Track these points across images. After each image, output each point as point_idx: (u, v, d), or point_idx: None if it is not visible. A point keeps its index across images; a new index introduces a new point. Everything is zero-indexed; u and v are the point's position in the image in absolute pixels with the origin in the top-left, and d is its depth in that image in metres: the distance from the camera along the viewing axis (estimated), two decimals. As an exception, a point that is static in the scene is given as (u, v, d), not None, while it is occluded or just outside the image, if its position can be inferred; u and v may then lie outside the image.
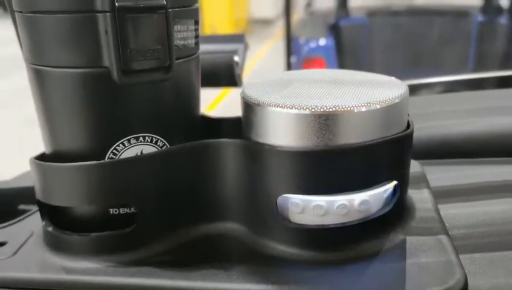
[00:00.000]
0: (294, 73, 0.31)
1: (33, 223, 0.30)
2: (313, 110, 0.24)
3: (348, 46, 2.28)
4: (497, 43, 2.20)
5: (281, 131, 0.25)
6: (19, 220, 0.31)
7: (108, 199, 0.26)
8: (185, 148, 0.27)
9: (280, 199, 0.26)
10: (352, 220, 0.26)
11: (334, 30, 2.25)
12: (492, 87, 0.91)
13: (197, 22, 0.27)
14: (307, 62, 2.08)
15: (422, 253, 0.25)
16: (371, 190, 0.26)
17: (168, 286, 0.24)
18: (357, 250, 0.26)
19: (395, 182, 0.27)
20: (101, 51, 0.24)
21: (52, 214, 0.28)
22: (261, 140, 0.26)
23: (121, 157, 0.26)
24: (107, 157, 0.26)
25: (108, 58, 0.24)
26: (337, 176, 0.25)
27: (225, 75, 0.50)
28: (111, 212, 0.27)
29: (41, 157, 0.27)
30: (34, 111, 0.27)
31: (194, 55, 0.28)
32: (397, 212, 0.28)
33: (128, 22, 0.23)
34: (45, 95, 0.25)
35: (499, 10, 2.25)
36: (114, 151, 0.26)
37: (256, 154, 0.26)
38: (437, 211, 0.29)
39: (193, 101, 0.29)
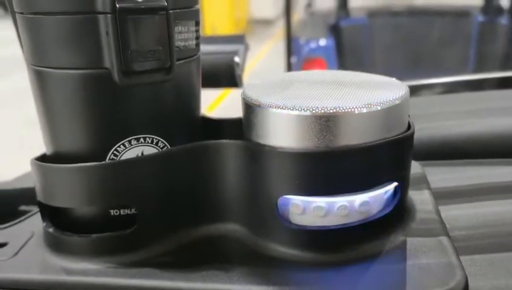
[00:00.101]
0: (295, 74, 0.31)
1: (34, 224, 0.30)
2: (313, 111, 0.24)
3: (348, 47, 2.28)
4: (498, 44, 2.20)
5: (282, 132, 0.25)
6: (19, 221, 0.31)
7: (109, 200, 0.26)
8: (186, 149, 0.27)
9: (281, 200, 0.26)
10: (353, 221, 0.26)
11: (335, 30, 2.25)
12: (493, 88, 0.91)
13: (197, 23, 0.27)
14: (307, 62, 2.08)
15: (422, 254, 0.25)
16: (371, 191, 0.26)
17: (169, 287, 0.24)
18: (358, 251, 0.26)
19: (395, 184, 0.27)
20: (102, 52, 0.24)
21: (52, 215, 0.28)
22: (262, 141, 0.26)
23: (121, 158, 0.26)
24: (107, 158, 0.26)
25: (109, 59, 0.24)
26: (337, 177, 0.25)
27: (226, 76, 0.50)
28: (111, 213, 0.27)
29: (42, 158, 0.27)
30: (34, 111, 0.27)
31: (195, 56, 0.28)
32: (398, 213, 0.28)
33: (129, 23, 0.23)
34: (46, 96, 0.25)
35: (500, 10, 2.25)
36: (115, 152, 0.26)
37: (257, 155, 0.26)
38: (438, 212, 0.29)
39: (194, 102, 0.29)
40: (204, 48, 0.30)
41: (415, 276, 0.24)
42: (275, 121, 0.25)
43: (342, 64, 2.15)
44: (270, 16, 6.51)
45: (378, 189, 0.26)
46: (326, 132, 0.24)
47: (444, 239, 0.26)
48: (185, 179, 0.27)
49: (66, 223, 0.28)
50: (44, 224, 0.28)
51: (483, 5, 2.32)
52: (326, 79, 0.29)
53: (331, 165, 0.25)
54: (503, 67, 2.14)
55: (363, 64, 2.32)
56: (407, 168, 0.27)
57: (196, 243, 0.28)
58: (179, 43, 0.26)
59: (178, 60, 0.26)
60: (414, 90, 0.87)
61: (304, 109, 0.24)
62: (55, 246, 0.27)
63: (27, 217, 0.31)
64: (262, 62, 4.24)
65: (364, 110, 0.24)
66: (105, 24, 0.23)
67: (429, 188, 0.32)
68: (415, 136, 0.27)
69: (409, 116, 0.28)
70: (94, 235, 0.26)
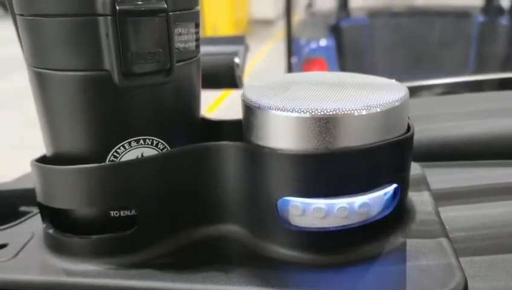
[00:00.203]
0: (295, 76, 0.31)
1: (34, 225, 0.30)
2: (313, 113, 0.24)
3: (349, 47, 2.28)
4: (498, 44, 2.21)
5: (282, 134, 0.25)
6: (19, 222, 0.31)
7: (109, 202, 0.26)
8: (186, 150, 0.27)
9: (280, 202, 0.26)
10: (353, 223, 0.26)
11: (335, 31, 2.25)
12: (493, 89, 0.91)
13: (197, 25, 0.27)
14: (308, 63, 2.09)
15: (422, 256, 0.25)
16: (371, 192, 0.26)
17: (169, 288, 0.24)
18: (358, 253, 0.26)
19: (395, 185, 0.27)
20: (102, 54, 0.24)
21: (53, 216, 0.28)
22: (262, 143, 0.26)
23: (121, 160, 0.26)
24: (107, 159, 0.26)
25: (109, 61, 0.24)
26: (337, 179, 0.25)
27: (226, 77, 0.50)
28: (112, 214, 0.27)
29: (42, 159, 0.28)
30: (34, 112, 0.27)
31: (195, 58, 0.28)
32: (397, 215, 0.28)
33: (129, 25, 0.23)
34: (46, 98, 0.25)
35: (500, 11, 2.25)
36: (115, 153, 0.26)
37: (257, 157, 0.26)
38: (437, 213, 0.29)
39: (194, 103, 0.29)
40: (204, 49, 0.30)
41: (415, 277, 0.24)
42: (275, 123, 0.25)
43: (342, 65, 2.15)
44: (271, 16, 6.51)
45: (377, 190, 0.26)
46: (326, 133, 0.24)
47: (444, 240, 0.26)
48: (185, 180, 0.27)
49: (66, 225, 0.28)
50: (45, 225, 0.28)
51: (483, 5, 2.32)
52: (325, 81, 0.29)
53: (331, 166, 0.25)
54: (504, 68, 2.14)
55: (363, 65, 2.32)
56: (406, 169, 0.27)
57: (196, 244, 0.28)
58: (178, 45, 0.26)
59: (178, 61, 0.26)
60: (414, 91, 0.87)
61: (303, 111, 0.24)
62: (55, 247, 0.27)
63: (27, 218, 0.31)
64: (262, 62, 4.24)
65: (364, 112, 0.24)
66: (105, 26, 0.23)
67: (429, 189, 0.32)
68: (415, 137, 0.27)
69: (408, 117, 0.28)
70: (94, 237, 0.26)
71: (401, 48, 2.36)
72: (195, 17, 0.27)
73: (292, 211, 0.26)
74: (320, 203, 0.26)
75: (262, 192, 0.26)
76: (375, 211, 0.27)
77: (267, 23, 6.43)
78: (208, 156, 0.27)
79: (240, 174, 0.27)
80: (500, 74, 1.07)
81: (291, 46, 2.20)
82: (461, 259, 0.25)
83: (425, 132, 0.46)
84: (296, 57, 2.18)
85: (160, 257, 0.27)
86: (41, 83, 0.25)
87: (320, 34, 2.22)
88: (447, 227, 0.28)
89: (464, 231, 0.29)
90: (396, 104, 0.25)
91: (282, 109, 0.25)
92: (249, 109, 0.26)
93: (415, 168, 0.35)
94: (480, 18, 2.24)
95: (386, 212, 0.27)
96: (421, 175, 0.34)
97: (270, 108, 0.25)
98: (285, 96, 0.26)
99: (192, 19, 0.27)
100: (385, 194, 0.27)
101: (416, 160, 0.35)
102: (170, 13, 0.24)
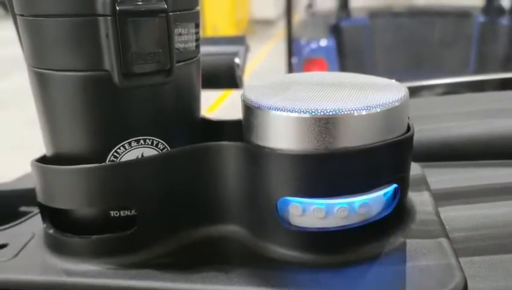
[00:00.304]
0: (295, 76, 0.31)
1: (34, 225, 0.30)
2: (313, 113, 0.24)
3: (349, 47, 2.28)
4: (499, 45, 2.20)
5: (281, 134, 0.25)
6: (20, 222, 0.31)
7: (109, 202, 0.26)
8: (186, 151, 0.27)
9: (280, 202, 0.26)
10: (353, 223, 0.26)
11: (335, 31, 2.25)
12: (494, 89, 0.91)
13: (197, 25, 0.27)
14: (308, 63, 2.09)
15: (422, 256, 0.25)
16: (371, 192, 0.26)
17: (168, 288, 0.25)
18: (357, 253, 0.26)
19: (395, 185, 0.27)
20: (102, 55, 0.24)
21: (53, 216, 0.28)
22: (262, 143, 0.26)
23: (121, 160, 0.26)
24: (108, 160, 0.26)
25: (109, 61, 0.24)
26: (337, 179, 0.25)
27: (226, 77, 0.50)
28: (112, 214, 0.27)
29: (42, 159, 0.28)
30: (34, 112, 0.27)
31: (195, 58, 0.28)
32: (397, 215, 0.28)
33: (129, 26, 0.23)
34: (46, 98, 0.26)
35: (501, 11, 2.25)
36: (115, 154, 0.26)
37: (257, 157, 0.26)
38: (437, 213, 0.29)
39: (194, 103, 0.29)
40: (204, 49, 0.30)
41: (415, 278, 0.24)
42: (275, 123, 0.25)
43: (343, 65, 2.15)
44: (271, 16, 6.51)
45: (377, 191, 0.26)
46: (326, 133, 0.24)
47: (444, 241, 0.26)
48: (185, 180, 0.27)
49: (67, 225, 0.28)
50: (45, 225, 0.28)
51: (484, 5, 2.32)
52: (325, 81, 0.29)
53: (331, 167, 0.25)
54: (504, 69, 2.14)
55: (364, 65, 2.32)
56: (406, 169, 0.27)
57: (196, 244, 0.28)
58: (178, 45, 0.26)
59: (178, 62, 0.26)
60: (415, 91, 0.87)
61: (303, 111, 0.24)
62: (56, 247, 0.27)
63: (27, 218, 0.31)
64: (263, 62, 4.24)
65: (364, 112, 0.24)
66: (105, 26, 0.23)
67: (429, 189, 0.32)
68: (415, 137, 0.27)
69: (408, 117, 0.28)
70: (94, 237, 0.26)
71: (401, 48, 2.36)
72: (195, 17, 0.27)
73: (292, 211, 0.27)
74: (320, 203, 0.26)
75: (262, 192, 0.26)
76: (375, 211, 0.27)
77: (267, 23, 6.43)
78: (208, 156, 0.27)
79: (239, 174, 0.27)
80: (501, 74, 1.07)
81: (292, 46, 2.20)
82: (461, 259, 0.25)
83: (425, 132, 0.46)
84: (296, 57, 2.18)
85: (160, 257, 0.27)
86: (42, 83, 0.25)
87: (320, 34, 2.22)
88: (446, 227, 0.28)
89: (463, 231, 0.29)
90: (396, 104, 0.25)
91: (282, 109, 0.25)
92: (249, 109, 0.26)
93: (415, 169, 0.35)
94: (481, 18, 2.24)
95: (386, 213, 0.27)
96: (421, 175, 0.34)
97: (270, 108, 0.25)
98: (285, 97, 0.26)
99: (192, 19, 0.27)
100: (385, 194, 0.27)
101: (416, 160, 0.35)
102: (170, 13, 0.24)
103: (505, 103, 0.56)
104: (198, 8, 0.27)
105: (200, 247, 0.28)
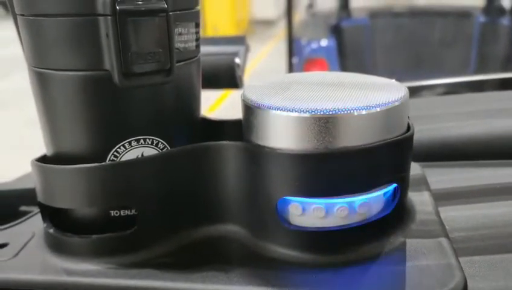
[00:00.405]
0: (295, 75, 0.31)
1: (34, 224, 0.30)
2: (313, 113, 0.24)
3: (350, 47, 2.28)
4: (499, 45, 2.20)
5: (281, 134, 0.25)
6: (20, 222, 0.31)
7: (109, 201, 0.26)
8: (186, 150, 0.27)
9: (280, 202, 0.26)
10: (352, 222, 0.26)
11: (336, 31, 2.25)
12: (494, 89, 0.91)
13: (197, 25, 0.27)
14: (309, 63, 2.08)
15: (422, 256, 0.25)
16: (371, 192, 0.26)
17: (168, 287, 0.25)
18: (357, 253, 0.26)
19: (395, 185, 0.27)
20: (102, 54, 0.24)
21: (53, 215, 0.28)
22: (262, 142, 0.26)
23: (121, 159, 0.26)
24: (108, 159, 0.26)
25: (110, 61, 0.24)
26: (337, 179, 0.25)
27: (226, 77, 0.50)
28: (112, 214, 0.27)
29: (43, 159, 0.28)
30: (35, 112, 0.27)
31: (195, 58, 0.28)
32: (397, 215, 0.28)
33: (129, 25, 0.23)
34: (46, 98, 0.26)
35: (501, 11, 2.25)
36: (115, 153, 0.26)
37: (257, 156, 0.26)
38: (437, 213, 0.29)
39: (194, 103, 0.29)
40: (205, 49, 0.30)
41: (415, 277, 0.24)
42: (275, 123, 0.25)
43: (343, 65, 2.15)
44: (272, 16, 6.51)
45: (377, 190, 0.26)
46: (326, 133, 0.24)
47: (444, 240, 0.26)
48: (185, 180, 0.27)
49: (67, 224, 0.28)
50: (45, 225, 0.28)
51: (484, 5, 2.32)
52: (325, 81, 0.29)
53: (331, 166, 0.25)
54: (505, 69, 2.14)
55: (364, 65, 2.32)
56: (406, 169, 0.27)
57: (196, 244, 0.28)
58: (179, 45, 0.26)
59: (178, 61, 0.26)
60: (415, 91, 0.87)
61: (303, 111, 0.24)
62: (56, 246, 0.27)
63: (28, 218, 0.31)
64: (263, 62, 4.24)
65: (364, 112, 0.24)
66: (105, 26, 0.23)
67: (429, 189, 0.32)
68: (415, 137, 0.27)
69: (408, 117, 0.28)
70: (94, 236, 0.27)
71: (402, 48, 2.36)
72: (195, 17, 0.27)
73: (292, 210, 0.27)
74: (320, 203, 0.26)
75: (262, 192, 0.26)
76: (375, 211, 0.27)
77: (268, 23, 6.43)
78: (208, 156, 0.27)
79: (240, 174, 0.27)
80: (501, 74, 1.07)
81: (292, 46, 2.20)
82: (461, 259, 0.25)
83: (425, 131, 0.46)
84: (297, 57, 2.18)
85: (160, 257, 0.27)
86: (42, 83, 0.25)
87: (321, 34, 2.22)
88: (446, 227, 0.28)
89: (463, 231, 0.29)
90: (396, 104, 0.25)
91: (282, 109, 0.25)
92: (249, 109, 0.26)
93: (415, 168, 0.35)
94: (482, 18, 2.24)
95: (386, 212, 0.27)
96: (421, 175, 0.34)
97: (270, 108, 0.25)
98: (285, 96, 0.26)
99: (192, 18, 0.27)
100: (385, 194, 0.27)
101: (417, 160, 0.35)
102: (170, 13, 0.24)
103: (505, 103, 0.56)
104: (199, 7, 0.27)
105: (200, 247, 0.28)
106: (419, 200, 0.31)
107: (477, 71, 2.20)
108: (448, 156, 0.43)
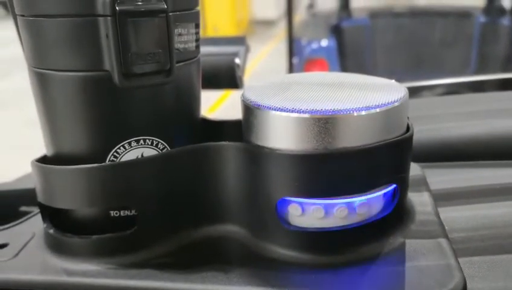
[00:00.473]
0: (295, 76, 0.31)
1: (34, 225, 0.30)
2: (312, 113, 0.24)
3: (350, 47, 2.28)
4: (500, 45, 2.20)
5: (281, 134, 0.25)
6: (20, 222, 0.31)
7: (109, 202, 0.26)
8: (186, 151, 0.27)
9: (280, 202, 0.26)
10: (352, 223, 0.26)
11: (336, 31, 2.25)
12: (494, 89, 0.91)
13: (197, 25, 0.27)
14: (309, 63, 2.08)
15: (421, 256, 0.25)
16: (370, 193, 0.26)
17: (168, 288, 0.25)
18: (357, 253, 0.26)
19: (394, 186, 0.27)
20: (102, 55, 0.24)
21: (53, 216, 0.28)
22: (261, 143, 0.26)
23: (121, 160, 0.26)
24: (107, 160, 0.26)
25: (109, 61, 0.24)
26: (336, 179, 0.25)
27: (226, 77, 0.50)
28: (112, 214, 0.27)
29: (43, 159, 0.28)
30: (35, 112, 0.27)
31: (195, 59, 0.28)
32: (397, 215, 0.28)
33: (129, 26, 0.23)
34: (46, 98, 0.26)
35: (502, 11, 2.25)
36: (115, 154, 0.26)
37: (256, 157, 0.26)
38: (437, 214, 0.29)
39: (194, 104, 0.29)
40: (205, 49, 0.30)
41: (414, 278, 0.24)
42: (274, 123, 0.25)
43: (344, 65, 2.15)
44: (272, 16, 6.50)
45: (377, 191, 0.26)
46: (325, 134, 0.24)
47: (443, 241, 0.26)
48: (185, 180, 0.27)
49: (67, 224, 0.28)
50: (45, 225, 0.28)
51: (485, 6, 2.32)
52: (325, 81, 0.29)
53: (330, 167, 0.25)
54: (505, 69, 2.14)
55: (364, 65, 2.32)
56: (406, 170, 0.27)
57: (196, 244, 0.28)
58: (178, 46, 0.26)
59: (178, 62, 0.26)
60: (415, 92, 0.87)
61: (302, 111, 0.24)
62: (56, 247, 0.27)
63: (28, 218, 0.31)
64: (263, 63, 4.24)
65: (363, 113, 0.24)
66: (105, 27, 0.23)
67: (429, 189, 0.32)
68: (415, 137, 0.27)
69: (408, 118, 0.28)
70: (94, 237, 0.27)
71: (402, 48, 2.36)
72: (195, 17, 0.27)
73: (291, 211, 0.27)
74: (320, 203, 0.26)
75: (261, 192, 0.26)
76: (374, 212, 0.27)
77: (268, 23, 6.43)
78: (207, 156, 0.27)
79: (239, 174, 0.27)
80: (502, 74, 1.07)
81: (293, 46, 2.20)
82: (460, 259, 0.25)
83: (425, 132, 0.46)
84: (297, 57, 2.18)
85: (160, 257, 0.27)
86: (42, 84, 0.25)
87: (321, 34, 2.22)
88: (446, 227, 0.28)
89: (463, 231, 0.29)
90: (396, 104, 0.25)
91: (281, 110, 0.25)
92: (249, 109, 0.26)
93: (415, 169, 0.35)
94: (482, 18, 2.24)
95: (386, 213, 0.27)
96: (420, 175, 0.34)
97: (269, 108, 0.25)
98: (285, 97, 0.26)
99: (192, 19, 0.27)
100: (384, 194, 0.27)
101: (417, 160, 0.35)
102: (170, 14, 0.25)
103: (506, 103, 0.56)
104: (198, 8, 0.27)
105: (200, 247, 0.28)
106: (419, 200, 0.31)
107: (478, 71, 2.20)
108: (448, 156, 0.43)
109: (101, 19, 0.23)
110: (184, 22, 0.26)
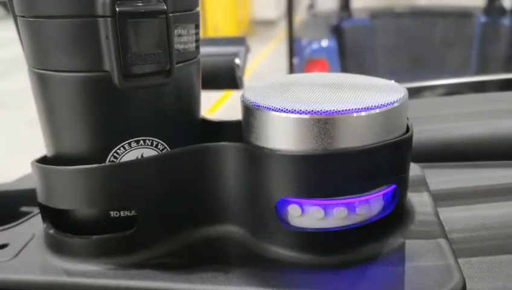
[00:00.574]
0: (295, 76, 0.31)
1: (34, 225, 0.30)
2: (312, 114, 0.24)
3: (351, 48, 2.28)
4: (500, 45, 2.20)
5: (281, 135, 0.25)
6: (20, 223, 0.31)
7: (109, 202, 0.26)
8: (185, 151, 0.27)
9: (279, 202, 0.26)
10: (352, 223, 0.26)
11: (337, 31, 2.25)
12: (495, 89, 0.91)
13: (197, 26, 0.27)
14: (309, 63, 2.08)
15: (421, 257, 0.25)
16: (370, 193, 0.26)
17: (169, 288, 0.25)
18: (356, 254, 0.26)
19: (394, 186, 0.27)
20: (102, 56, 0.24)
21: (53, 216, 0.28)
22: (261, 144, 0.26)
23: (121, 160, 0.26)
24: (107, 160, 0.26)
25: (109, 62, 0.24)
26: (336, 180, 0.25)
27: (226, 78, 0.50)
28: (112, 215, 0.27)
29: (43, 160, 0.28)
30: (35, 112, 0.27)
31: (195, 59, 0.28)
32: (396, 215, 0.28)
33: (129, 27, 0.23)
34: (47, 99, 0.26)
35: (502, 11, 2.25)
36: (115, 154, 0.26)
37: (256, 157, 0.26)
38: (436, 214, 0.29)
39: (193, 104, 0.29)
40: (205, 49, 0.30)
41: (413, 278, 0.24)
42: (274, 124, 0.25)
43: (344, 66, 2.15)
44: (272, 16, 6.51)
45: (376, 191, 0.26)
46: (325, 134, 0.24)
47: (443, 241, 0.26)
48: (184, 181, 0.27)
49: (67, 225, 0.28)
50: (45, 225, 0.28)
51: (485, 6, 2.32)
52: (325, 82, 0.29)
53: (330, 167, 0.25)
54: (506, 69, 2.14)
55: (365, 66, 2.32)
56: (406, 170, 0.28)
57: (196, 244, 0.28)
58: (178, 46, 0.26)
59: (178, 62, 0.26)
60: (416, 92, 0.87)
61: (302, 112, 0.24)
62: (56, 247, 0.28)
63: (28, 219, 0.32)
64: (264, 63, 4.25)
65: (363, 113, 0.24)
66: (105, 28, 0.23)
67: (428, 190, 0.32)
68: (416, 138, 0.27)
69: (407, 118, 0.28)
70: (94, 237, 0.27)
71: (403, 48, 2.35)
72: (195, 18, 0.27)
73: (291, 211, 0.27)
74: (320, 204, 0.26)
75: (261, 193, 0.26)
76: (374, 212, 0.27)
77: (268, 23, 6.43)
78: (207, 157, 0.27)
79: (239, 174, 0.27)
80: (503, 74, 1.07)
81: (293, 46, 2.20)
82: (460, 260, 0.25)
83: (426, 132, 0.46)
84: (297, 57, 2.18)
85: (160, 257, 0.27)
86: (42, 84, 0.25)
87: (321, 34, 2.22)
88: (446, 228, 0.28)
89: (462, 231, 0.29)
90: (395, 105, 0.25)
91: (281, 110, 0.25)
92: (249, 110, 0.26)
93: (415, 169, 0.35)
94: (482, 18, 2.24)
95: (385, 213, 0.27)
96: (420, 176, 0.34)
97: (269, 109, 0.25)
98: (285, 98, 0.26)
99: (192, 20, 0.27)
100: (384, 195, 0.27)
101: (417, 161, 0.35)
102: (170, 14, 0.25)
103: (507, 104, 0.56)
104: (198, 9, 0.27)
105: (199, 247, 0.28)
106: (419, 201, 0.31)
107: (478, 72, 2.20)
108: (448, 156, 0.43)
109: (101, 19, 0.23)
110: (184, 22, 0.26)
